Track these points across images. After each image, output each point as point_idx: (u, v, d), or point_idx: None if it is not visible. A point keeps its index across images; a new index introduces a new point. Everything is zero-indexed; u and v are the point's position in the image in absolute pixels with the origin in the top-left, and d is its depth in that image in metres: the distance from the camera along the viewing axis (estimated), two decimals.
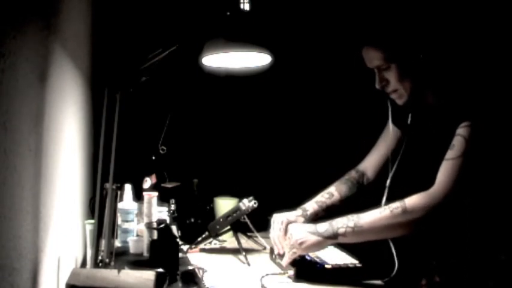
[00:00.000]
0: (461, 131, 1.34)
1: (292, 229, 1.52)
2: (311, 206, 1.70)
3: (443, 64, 1.43)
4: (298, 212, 1.68)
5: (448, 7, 1.83)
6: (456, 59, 1.51)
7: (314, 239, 1.45)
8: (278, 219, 1.65)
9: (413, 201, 1.37)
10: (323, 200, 1.70)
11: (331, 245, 1.56)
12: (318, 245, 1.47)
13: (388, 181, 1.57)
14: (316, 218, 1.68)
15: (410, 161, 1.53)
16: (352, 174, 1.75)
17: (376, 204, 1.47)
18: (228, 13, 1.52)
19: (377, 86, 1.46)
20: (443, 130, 1.39)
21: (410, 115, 1.55)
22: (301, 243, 1.47)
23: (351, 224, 1.41)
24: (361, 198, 1.73)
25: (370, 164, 1.73)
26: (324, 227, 1.46)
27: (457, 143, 1.34)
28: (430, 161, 1.40)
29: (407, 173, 1.56)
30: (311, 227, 1.49)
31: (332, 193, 1.72)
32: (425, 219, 1.34)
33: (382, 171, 1.68)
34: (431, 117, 1.47)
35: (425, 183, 1.38)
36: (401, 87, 1.42)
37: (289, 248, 1.50)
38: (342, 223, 1.43)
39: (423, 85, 1.43)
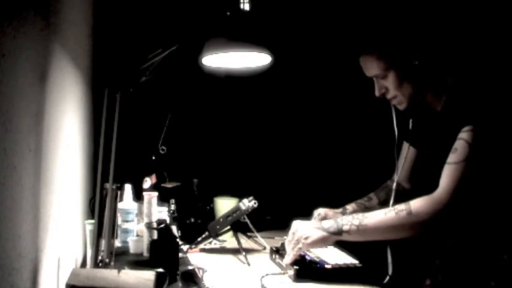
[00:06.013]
0: (464, 135, 1.34)
1: (297, 225, 1.54)
2: (351, 205, 1.78)
3: (442, 68, 1.45)
4: (339, 210, 1.76)
5: (444, 11, 1.84)
6: (456, 62, 1.53)
7: (319, 234, 1.47)
8: (318, 211, 1.73)
9: (418, 204, 1.38)
10: (362, 202, 1.80)
11: (331, 244, 1.57)
12: (323, 241, 1.48)
13: (394, 184, 1.63)
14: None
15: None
16: (389, 183, 1.81)
17: None
18: (228, 13, 1.53)
19: (377, 94, 1.50)
20: (446, 134, 1.39)
21: (411, 121, 1.57)
22: (306, 238, 1.48)
23: (356, 222, 1.43)
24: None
25: (402, 178, 1.76)
26: (329, 223, 1.49)
27: (460, 147, 1.34)
28: (432, 165, 1.42)
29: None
30: (316, 223, 1.52)
31: (371, 197, 1.81)
32: (430, 223, 1.36)
33: (417, 179, 1.74)
34: (435, 121, 1.48)
35: (428, 186, 1.39)
36: (400, 94, 1.46)
37: (293, 244, 1.51)
38: (347, 220, 1.45)
39: (423, 90, 1.45)
